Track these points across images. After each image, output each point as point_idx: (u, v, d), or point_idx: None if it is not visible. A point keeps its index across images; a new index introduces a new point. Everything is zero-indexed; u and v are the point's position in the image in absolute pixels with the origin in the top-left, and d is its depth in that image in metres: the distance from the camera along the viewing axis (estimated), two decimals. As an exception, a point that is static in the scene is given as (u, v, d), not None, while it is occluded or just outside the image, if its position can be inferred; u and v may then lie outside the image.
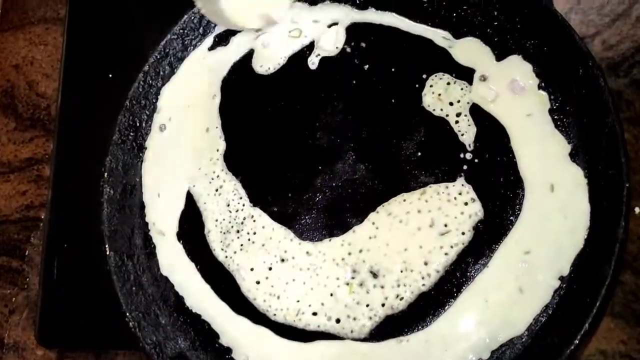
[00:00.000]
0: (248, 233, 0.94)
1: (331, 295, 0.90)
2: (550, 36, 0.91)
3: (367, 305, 0.89)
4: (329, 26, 1.00)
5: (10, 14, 1.22)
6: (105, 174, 0.95)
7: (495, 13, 0.95)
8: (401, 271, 0.89)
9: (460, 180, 0.91)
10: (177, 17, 1.02)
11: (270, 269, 0.92)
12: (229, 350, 0.91)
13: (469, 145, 0.92)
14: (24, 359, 1.04)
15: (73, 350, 1.02)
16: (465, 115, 0.93)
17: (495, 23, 0.95)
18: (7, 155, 1.14)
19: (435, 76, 0.95)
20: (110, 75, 1.12)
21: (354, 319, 0.89)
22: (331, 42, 0.99)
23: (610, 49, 0.98)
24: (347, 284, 0.90)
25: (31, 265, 1.08)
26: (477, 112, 0.93)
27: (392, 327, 0.89)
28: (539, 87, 0.92)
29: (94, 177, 0.98)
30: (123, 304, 0.90)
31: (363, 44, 1.00)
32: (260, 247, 0.93)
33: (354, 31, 1.01)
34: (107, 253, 0.92)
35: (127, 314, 0.90)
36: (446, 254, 0.89)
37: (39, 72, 1.18)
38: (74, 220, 1.06)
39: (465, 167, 0.92)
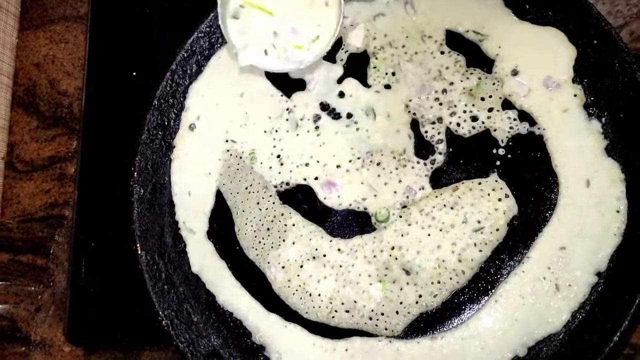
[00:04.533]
0: (279, 231, 0.94)
1: (363, 292, 0.90)
2: (585, 30, 0.90)
3: (401, 303, 0.89)
4: (356, 22, 0.99)
5: (30, 12, 1.21)
6: (135, 173, 0.95)
7: (527, 7, 0.94)
8: (434, 268, 0.89)
9: (494, 176, 0.91)
10: (199, 15, 1.01)
11: (301, 266, 0.92)
12: (261, 347, 0.91)
13: (502, 140, 0.92)
14: (50, 355, 1.05)
15: (101, 347, 1.02)
16: (498, 111, 0.92)
17: (529, 16, 0.94)
18: (30, 154, 1.14)
19: (467, 71, 0.94)
20: (134, 73, 1.11)
21: (388, 316, 0.89)
22: (359, 39, 0.98)
23: (639, 40, 0.97)
24: (380, 281, 0.89)
25: (56, 263, 1.08)
26: (510, 107, 0.93)
27: (426, 324, 0.89)
28: (574, 82, 0.91)
29: (119, 175, 0.98)
30: (155, 302, 0.90)
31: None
32: (291, 245, 0.93)
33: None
34: (139, 252, 0.92)
35: (160, 313, 0.90)
36: (480, 250, 0.89)
37: (60, 71, 1.17)
38: (100, 218, 1.06)
39: (498, 162, 0.91)
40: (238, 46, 0.92)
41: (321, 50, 0.92)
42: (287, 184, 0.96)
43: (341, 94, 0.97)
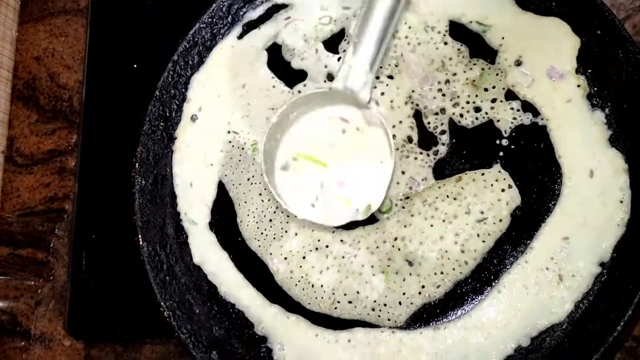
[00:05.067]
0: (281, 222, 0.93)
1: (366, 283, 0.90)
2: (589, 20, 0.90)
3: (404, 294, 0.89)
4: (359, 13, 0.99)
5: (30, 5, 1.21)
6: (137, 164, 0.94)
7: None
8: (437, 259, 0.88)
9: (497, 167, 0.91)
10: (201, 6, 1.01)
11: (304, 257, 0.92)
12: (264, 339, 0.91)
13: (505, 131, 0.92)
14: (50, 349, 1.04)
15: (101, 341, 1.02)
16: (501, 101, 0.92)
17: (533, 7, 0.94)
18: (30, 148, 1.14)
19: (470, 61, 0.94)
20: (135, 66, 1.11)
21: (390, 307, 0.88)
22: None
23: (641, 33, 0.98)
24: (383, 272, 0.89)
25: (56, 257, 1.08)
26: (513, 98, 0.93)
27: (429, 315, 0.89)
28: (577, 72, 0.91)
29: (120, 168, 0.98)
30: (157, 293, 0.89)
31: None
32: (294, 236, 0.92)
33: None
34: (140, 243, 0.91)
35: (162, 304, 0.89)
36: (483, 241, 0.88)
37: (60, 64, 1.17)
38: (100, 212, 1.06)
39: (501, 153, 0.91)
40: (288, 202, 0.90)
41: (377, 203, 0.89)
42: (290, 175, 0.95)
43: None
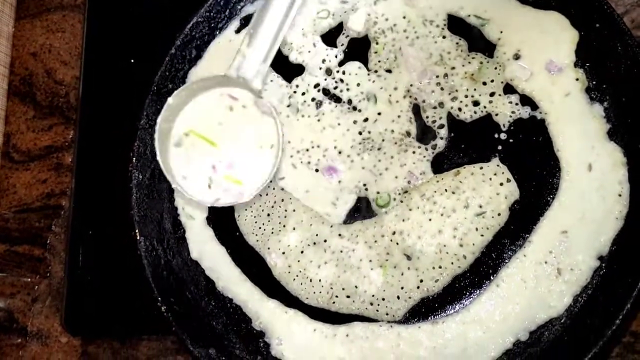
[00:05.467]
0: (279, 217, 0.93)
1: (364, 277, 0.90)
2: (588, 14, 0.90)
3: (402, 288, 0.89)
4: (357, 7, 0.99)
5: (27, 1, 1.20)
6: (134, 159, 0.94)
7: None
8: (436, 253, 0.88)
9: (495, 161, 0.91)
10: (199, 1, 1.00)
11: (302, 252, 0.92)
12: (262, 333, 0.91)
13: (503, 125, 0.91)
14: (47, 346, 1.04)
15: (98, 337, 1.01)
16: (500, 95, 0.92)
17: (531, 0, 0.94)
18: (27, 144, 1.13)
19: (468, 55, 0.94)
20: (132, 61, 1.10)
21: (389, 301, 0.88)
22: (360, 23, 0.97)
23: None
24: (381, 266, 0.89)
25: (53, 254, 1.07)
26: (512, 92, 0.93)
27: (427, 309, 0.89)
28: (576, 66, 0.91)
29: (116, 164, 0.98)
30: (155, 288, 0.89)
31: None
32: (292, 231, 0.92)
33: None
34: (138, 238, 0.91)
35: (159, 299, 0.89)
36: (482, 235, 0.88)
37: (57, 60, 1.17)
38: (97, 207, 1.05)
39: (499, 147, 0.91)
40: (179, 175, 0.91)
41: (259, 185, 0.90)
42: (288, 169, 0.95)
43: (342, 79, 0.96)
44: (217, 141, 0.92)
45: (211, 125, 0.92)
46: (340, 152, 0.94)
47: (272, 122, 0.91)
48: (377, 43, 0.97)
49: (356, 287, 0.89)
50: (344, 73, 0.97)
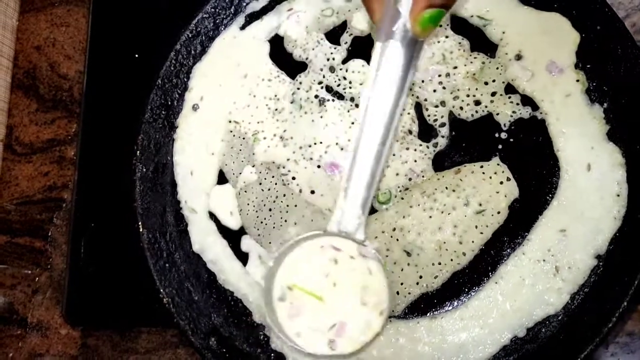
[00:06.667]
0: (280, 211, 0.94)
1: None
2: (589, 16, 0.91)
3: (401, 284, 0.89)
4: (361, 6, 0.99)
5: (31, -5, 1.21)
6: (138, 152, 0.95)
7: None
8: (435, 250, 0.89)
9: (495, 160, 0.91)
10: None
11: (303, 247, 0.91)
12: (262, 326, 0.91)
13: (504, 124, 0.92)
14: (47, 338, 1.04)
15: (98, 329, 1.02)
16: (501, 95, 0.93)
17: (533, 1, 0.95)
18: (30, 137, 1.14)
19: (471, 55, 0.95)
20: (136, 56, 1.11)
21: (388, 297, 0.88)
22: (364, 22, 0.98)
23: (640, 32, 0.99)
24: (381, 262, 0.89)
25: (54, 246, 1.08)
26: (513, 92, 0.94)
27: (426, 305, 0.89)
28: (577, 67, 0.92)
29: (119, 158, 0.98)
30: (157, 280, 0.90)
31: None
32: (293, 225, 0.93)
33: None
34: (140, 230, 0.92)
35: (161, 291, 0.90)
36: (481, 233, 0.89)
37: (60, 54, 1.17)
38: (99, 200, 1.06)
39: (500, 146, 0.92)
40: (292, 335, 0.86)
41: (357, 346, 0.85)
42: (290, 165, 0.96)
43: (345, 77, 0.97)
44: (322, 295, 0.86)
45: (316, 278, 0.87)
46: (342, 149, 0.94)
47: (379, 277, 0.85)
48: (380, 42, 0.97)
49: (356, 282, 0.90)
50: (347, 71, 0.98)
